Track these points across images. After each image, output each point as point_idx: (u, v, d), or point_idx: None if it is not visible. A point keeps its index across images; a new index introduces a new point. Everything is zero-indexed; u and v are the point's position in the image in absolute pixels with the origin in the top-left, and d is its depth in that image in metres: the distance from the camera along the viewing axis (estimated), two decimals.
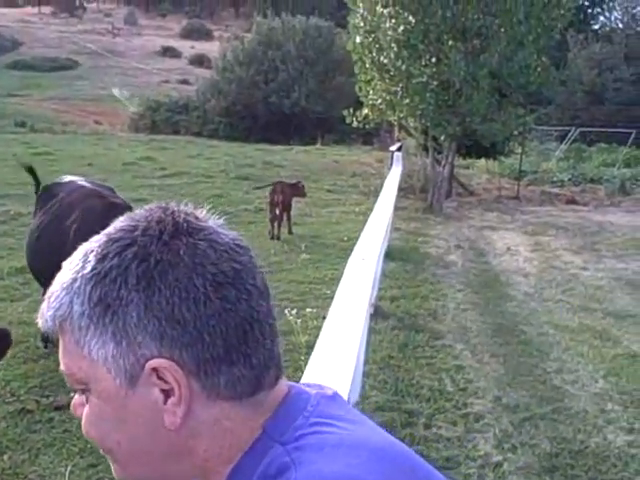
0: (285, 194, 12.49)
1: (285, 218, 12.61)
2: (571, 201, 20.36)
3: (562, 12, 16.75)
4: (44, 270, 6.13)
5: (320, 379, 3.28)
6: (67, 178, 7.44)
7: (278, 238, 12.30)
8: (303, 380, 3.23)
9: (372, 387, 6.20)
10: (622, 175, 23.52)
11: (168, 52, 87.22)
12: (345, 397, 3.19)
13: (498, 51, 15.60)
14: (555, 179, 23.78)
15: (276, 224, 12.42)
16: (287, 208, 12.58)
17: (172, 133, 40.00)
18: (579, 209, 19.14)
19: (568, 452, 5.26)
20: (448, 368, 6.84)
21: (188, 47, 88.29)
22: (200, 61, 77.51)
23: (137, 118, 44.26)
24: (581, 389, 6.50)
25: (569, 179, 23.65)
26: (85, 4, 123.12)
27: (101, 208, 5.88)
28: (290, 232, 12.74)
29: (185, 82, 65.75)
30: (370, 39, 16.64)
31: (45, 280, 6.20)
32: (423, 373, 6.67)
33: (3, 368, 6.18)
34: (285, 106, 40.83)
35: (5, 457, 4.84)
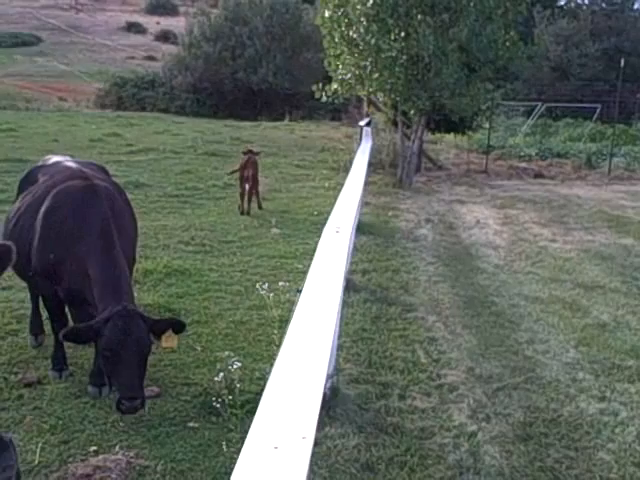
0: (254, 169, 12.39)
1: (254, 193, 12.50)
2: (538, 175, 20.53)
3: None
4: (16, 264, 5.62)
5: (299, 352, 3.25)
6: (53, 159, 6.58)
7: (248, 213, 12.21)
8: (283, 353, 3.20)
9: (346, 360, 6.19)
10: (588, 150, 23.78)
11: (133, 28, 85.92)
12: (324, 370, 3.17)
13: (467, 25, 15.55)
14: (522, 154, 23.95)
15: (246, 199, 12.33)
16: (255, 183, 12.47)
17: (138, 109, 39.58)
18: (546, 183, 19.29)
19: (542, 421, 5.30)
20: (421, 340, 6.85)
21: (153, 23, 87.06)
22: (166, 37, 76.51)
23: (103, 94, 43.64)
24: (553, 359, 6.54)
25: (536, 154, 23.83)
26: None
27: (77, 190, 5.39)
28: (260, 207, 12.66)
29: (151, 58, 64.92)
30: (339, 13, 16.46)
31: (21, 275, 5.94)
32: (396, 345, 6.67)
33: None
34: (253, 82, 40.52)
35: None
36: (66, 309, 5.53)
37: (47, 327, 5.99)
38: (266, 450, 2.35)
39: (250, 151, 12.74)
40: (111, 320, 4.60)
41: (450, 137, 24.45)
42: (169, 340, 4.90)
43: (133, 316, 4.66)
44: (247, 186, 12.30)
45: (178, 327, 4.93)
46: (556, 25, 41.28)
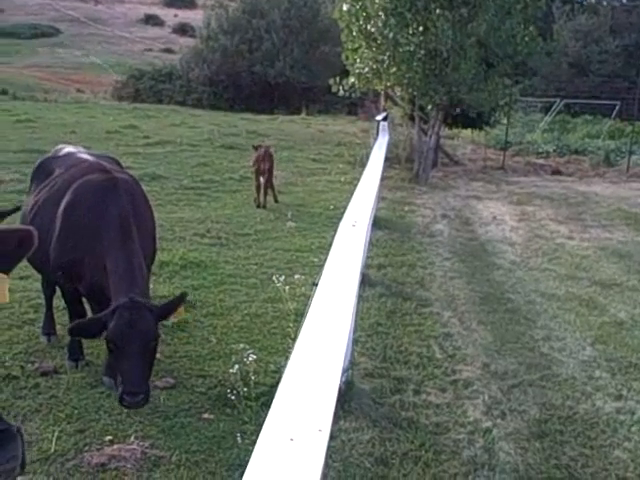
0: (271, 162, 12.39)
1: (269, 186, 12.50)
2: (556, 172, 20.38)
3: None
4: (35, 258, 5.33)
5: (315, 345, 3.24)
6: (65, 149, 6.44)
7: (264, 206, 12.21)
8: (299, 346, 3.19)
9: (361, 354, 6.18)
10: (606, 147, 23.58)
11: (151, 20, 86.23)
12: (340, 363, 3.16)
13: (486, 20, 15.43)
14: (540, 150, 23.80)
15: (262, 192, 12.32)
16: (271, 176, 12.47)
17: (155, 102, 39.68)
18: (564, 180, 19.16)
19: (557, 418, 5.27)
20: (436, 335, 6.83)
21: (171, 15, 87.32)
22: (184, 29, 76.76)
23: (120, 86, 43.81)
24: (569, 356, 6.51)
25: (554, 150, 23.67)
26: None
27: (96, 184, 5.27)
28: (276, 200, 12.65)
29: (169, 51, 65.14)
30: (357, 7, 16.40)
31: (38, 270, 5.94)
32: (411, 340, 6.65)
33: None
34: (269, 75, 40.51)
35: None
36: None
37: (64, 318, 6.01)
38: (282, 442, 2.34)
39: (259, 146, 12.78)
40: (117, 312, 4.56)
41: (467, 132, 24.36)
42: (179, 315, 4.91)
43: (139, 308, 4.60)
44: (262, 179, 12.30)
45: (182, 300, 4.91)
46: (575, 21, 40.96)
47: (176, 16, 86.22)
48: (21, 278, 7.55)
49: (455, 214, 13.36)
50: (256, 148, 12.80)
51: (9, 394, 5.13)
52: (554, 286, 8.76)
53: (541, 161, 22.31)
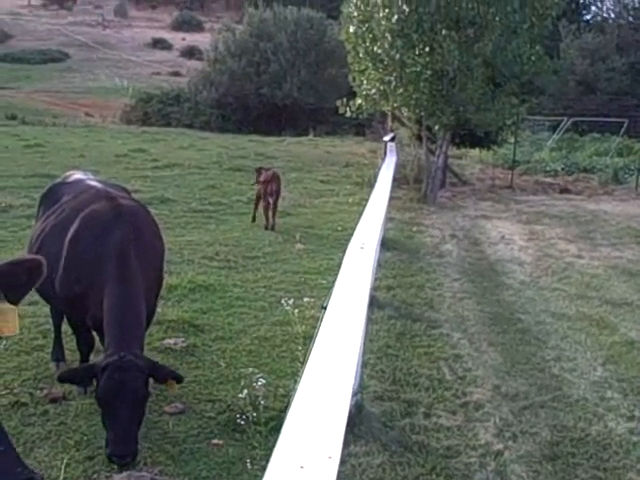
0: (278, 184, 12.41)
1: (263, 207, 12.45)
2: (565, 190, 20.36)
3: (556, 0, 16.68)
4: (41, 288, 5.28)
5: (324, 369, 3.22)
6: (73, 176, 6.41)
7: (272, 228, 12.21)
8: (308, 370, 3.17)
9: (370, 376, 6.15)
10: (615, 164, 23.56)
11: (159, 44, 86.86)
12: (350, 387, 3.14)
13: (492, 40, 15.50)
14: (548, 168, 23.80)
15: (270, 214, 12.33)
16: (278, 197, 12.48)
17: (164, 125, 39.88)
18: (572, 198, 19.13)
19: (569, 440, 5.22)
20: (446, 357, 6.79)
21: (179, 39, 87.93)
22: (191, 53, 77.25)
23: (129, 110, 44.08)
24: (580, 377, 6.46)
25: (562, 168, 23.67)
26: None
27: (106, 212, 5.20)
28: (273, 227, 12.42)
29: (176, 74, 65.51)
30: (364, 28, 16.52)
31: (45, 299, 5.89)
32: (421, 362, 6.62)
33: None
34: (277, 97, 40.72)
35: None
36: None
37: (73, 344, 6.01)
38: (292, 469, 2.32)
39: (262, 169, 12.89)
40: (106, 372, 4.48)
41: (475, 152, 24.38)
42: (169, 387, 4.86)
43: (129, 368, 4.49)
44: (271, 200, 12.30)
45: (177, 379, 4.86)
46: (582, 39, 41.04)
47: (184, 39, 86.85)
48: (30, 304, 7.54)
49: (464, 234, 13.34)
50: (258, 171, 12.88)
51: (18, 421, 5.11)
52: (564, 306, 8.72)
53: (549, 180, 22.30)
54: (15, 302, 2.15)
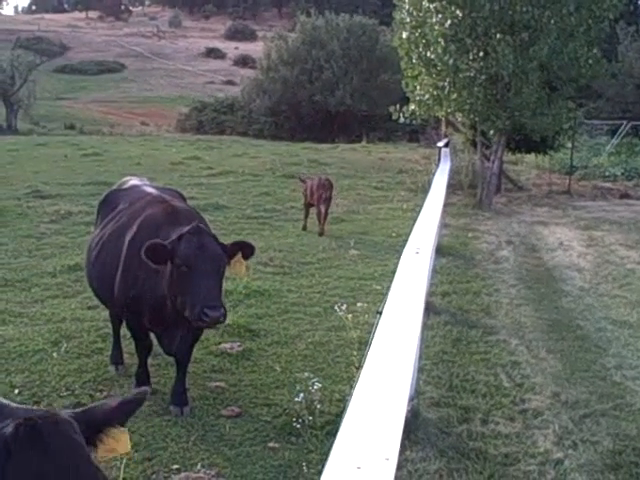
0: (331, 190, 12.40)
1: (316, 213, 12.50)
2: (624, 195, 19.91)
3: (613, 2, 16.34)
4: (100, 293, 5.85)
5: (380, 374, 3.20)
6: (129, 182, 6.54)
7: (321, 234, 12.20)
8: (364, 374, 3.16)
9: (426, 382, 6.10)
10: None
11: (212, 53, 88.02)
12: (407, 391, 3.11)
13: (548, 43, 15.26)
14: (607, 174, 23.30)
15: (322, 220, 12.35)
16: (328, 204, 12.50)
17: (218, 133, 40.36)
18: (633, 203, 18.69)
19: (632, 449, 5.09)
20: (504, 364, 6.69)
21: (232, 48, 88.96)
22: (244, 61, 78.10)
23: (183, 119, 44.71)
24: None
25: (622, 173, 23.15)
26: (130, 8, 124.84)
27: (157, 219, 5.27)
28: (322, 233, 12.51)
29: (230, 82, 66.29)
30: (417, 34, 16.45)
31: (104, 303, 6.05)
32: (478, 369, 6.53)
33: (57, 363, 6.23)
34: (330, 105, 40.83)
35: None
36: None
37: (132, 347, 6.09)
38: (349, 470, 2.31)
39: (308, 178, 13.10)
40: (184, 237, 4.66)
41: (531, 157, 24.04)
42: (237, 266, 4.89)
43: (205, 233, 4.72)
44: (323, 208, 12.31)
45: (247, 250, 4.91)
46: None
47: (237, 49, 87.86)
48: (89, 308, 7.70)
49: (520, 240, 13.14)
50: (303, 180, 12.95)
51: None
52: (625, 313, 8.51)
53: (608, 185, 21.84)
54: (122, 424, 2.31)
